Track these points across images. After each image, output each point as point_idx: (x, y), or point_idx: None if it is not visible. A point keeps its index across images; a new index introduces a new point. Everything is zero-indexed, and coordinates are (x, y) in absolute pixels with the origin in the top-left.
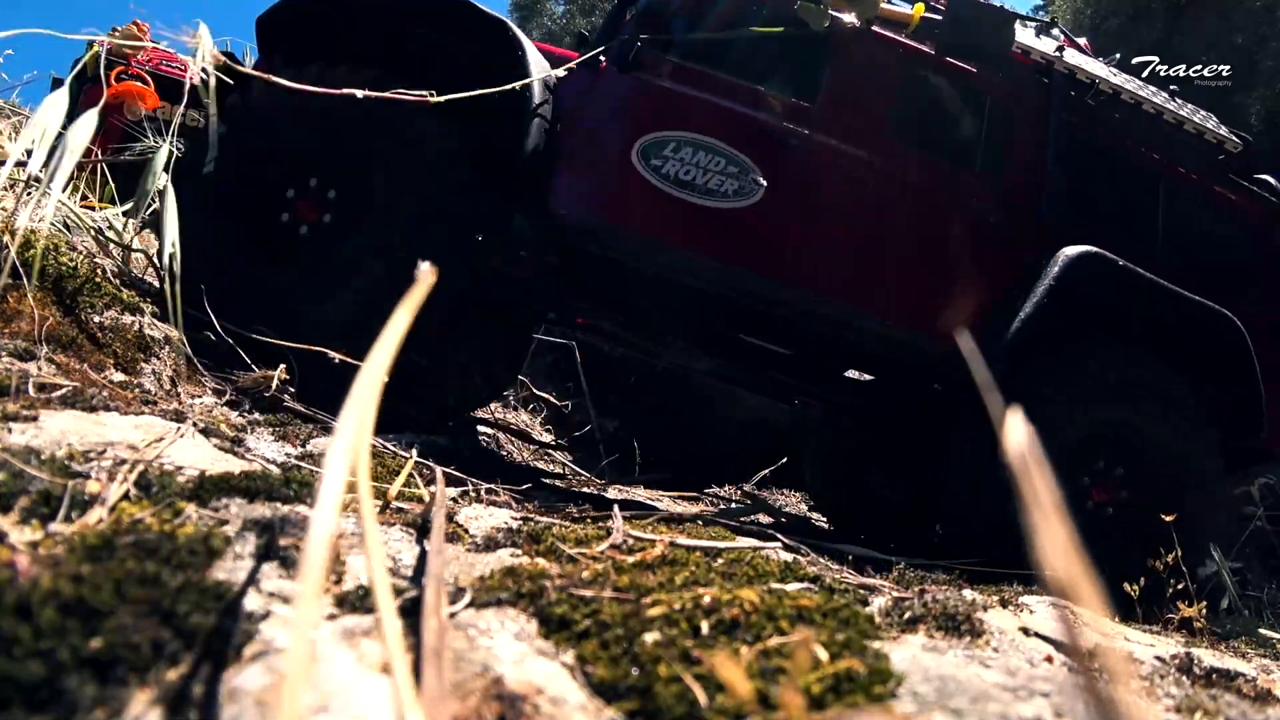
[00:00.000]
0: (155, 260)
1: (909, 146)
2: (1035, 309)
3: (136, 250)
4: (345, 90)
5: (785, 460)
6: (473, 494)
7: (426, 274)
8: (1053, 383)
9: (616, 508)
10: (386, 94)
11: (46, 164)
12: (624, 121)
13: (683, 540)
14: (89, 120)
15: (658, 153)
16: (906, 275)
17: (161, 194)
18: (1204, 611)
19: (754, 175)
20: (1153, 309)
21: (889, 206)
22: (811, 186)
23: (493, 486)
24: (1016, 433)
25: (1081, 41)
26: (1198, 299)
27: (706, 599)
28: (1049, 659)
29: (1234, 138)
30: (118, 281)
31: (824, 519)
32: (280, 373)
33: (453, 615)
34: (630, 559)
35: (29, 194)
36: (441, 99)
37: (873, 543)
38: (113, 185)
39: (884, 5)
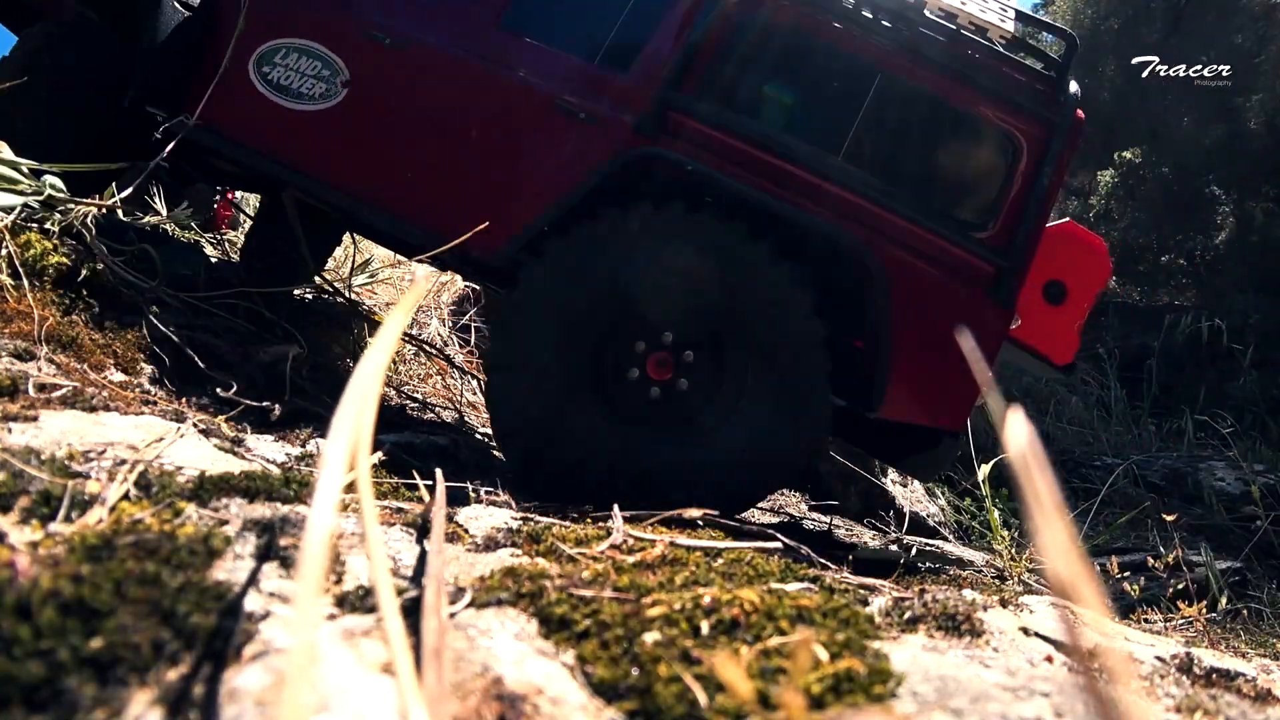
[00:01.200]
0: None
1: (525, 40)
2: (557, 210)
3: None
4: None
5: None
6: (473, 494)
7: (421, 279)
8: (578, 244)
9: (616, 507)
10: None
11: None
12: (246, 29)
13: (683, 540)
14: None
15: (270, 60)
16: (469, 182)
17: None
18: (1204, 612)
19: (341, 77)
20: (746, 226)
21: (474, 108)
22: (394, 88)
23: (492, 487)
24: (1017, 432)
25: None
26: (818, 224)
27: (706, 599)
28: (1049, 659)
29: (1007, 27)
30: (117, 281)
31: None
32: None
33: (453, 615)
34: (630, 559)
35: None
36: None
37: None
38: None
39: None
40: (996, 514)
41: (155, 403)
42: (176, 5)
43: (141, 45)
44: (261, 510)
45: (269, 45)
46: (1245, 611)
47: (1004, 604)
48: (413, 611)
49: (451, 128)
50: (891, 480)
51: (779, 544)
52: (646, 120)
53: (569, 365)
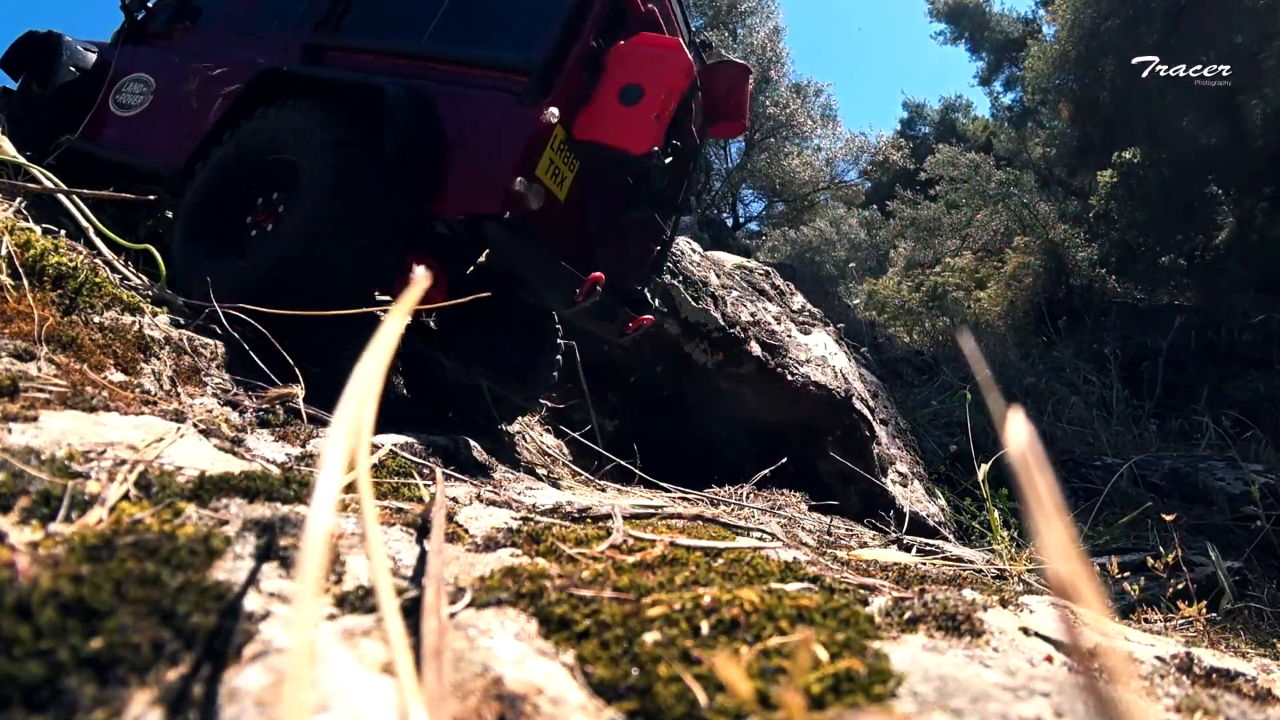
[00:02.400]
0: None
1: (257, 34)
2: (214, 125)
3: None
4: None
5: (785, 460)
6: (473, 494)
7: (422, 277)
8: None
9: (616, 507)
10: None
11: None
12: (110, 72)
13: (683, 540)
14: None
15: (121, 90)
16: (192, 127)
17: None
18: (1204, 612)
19: (151, 89)
20: (325, 92)
21: (213, 84)
22: (174, 86)
23: (492, 486)
24: (1017, 432)
25: None
26: (356, 79)
27: (706, 599)
28: (1049, 659)
29: None
30: (117, 280)
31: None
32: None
33: (453, 615)
34: (630, 559)
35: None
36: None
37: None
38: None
39: None
40: (996, 514)
41: (155, 403)
42: (71, 69)
43: (46, 95)
44: (261, 510)
45: (122, 81)
46: (1245, 611)
47: (1004, 604)
48: (413, 611)
49: (195, 98)
50: (891, 480)
51: (779, 543)
52: (298, 57)
53: (217, 226)
